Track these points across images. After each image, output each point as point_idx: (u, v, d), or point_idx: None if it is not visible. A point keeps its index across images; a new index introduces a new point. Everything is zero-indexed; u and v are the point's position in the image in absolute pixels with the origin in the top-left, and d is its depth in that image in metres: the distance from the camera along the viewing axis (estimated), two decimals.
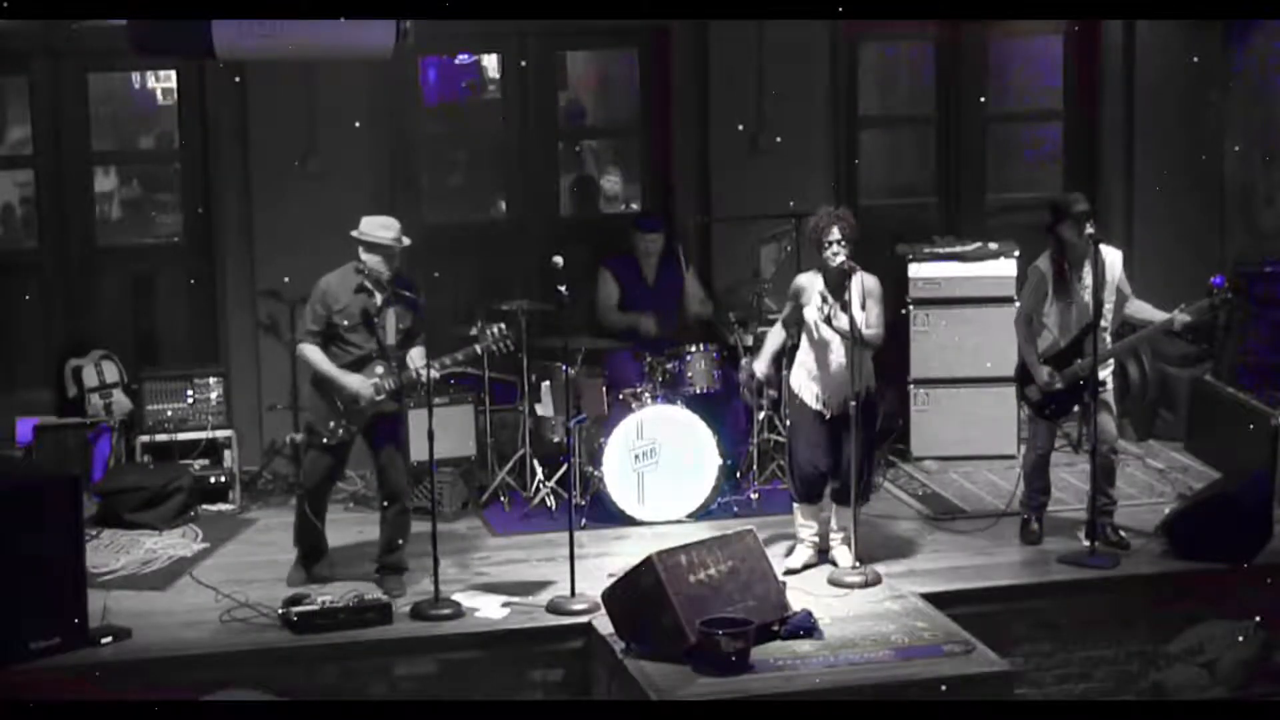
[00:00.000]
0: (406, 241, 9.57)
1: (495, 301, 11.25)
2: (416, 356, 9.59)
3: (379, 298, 9.53)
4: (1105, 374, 10.18)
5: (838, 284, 9.58)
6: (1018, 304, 10.41)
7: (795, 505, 9.97)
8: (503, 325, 9.72)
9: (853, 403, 9.51)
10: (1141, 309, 10.23)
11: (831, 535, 10.00)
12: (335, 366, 9.51)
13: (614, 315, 11.55)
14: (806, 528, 9.95)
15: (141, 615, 9.31)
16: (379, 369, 9.54)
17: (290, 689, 8.86)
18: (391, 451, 9.72)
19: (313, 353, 9.56)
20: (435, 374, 9.53)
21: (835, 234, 9.54)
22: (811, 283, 9.69)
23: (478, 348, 9.66)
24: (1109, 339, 10.18)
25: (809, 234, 9.73)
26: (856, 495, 9.67)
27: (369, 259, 9.50)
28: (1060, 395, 10.19)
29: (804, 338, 9.79)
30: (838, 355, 9.61)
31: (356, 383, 9.48)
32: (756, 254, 11.71)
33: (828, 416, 9.69)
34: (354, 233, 9.54)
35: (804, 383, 9.78)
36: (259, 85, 11.40)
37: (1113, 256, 10.09)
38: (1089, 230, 9.89)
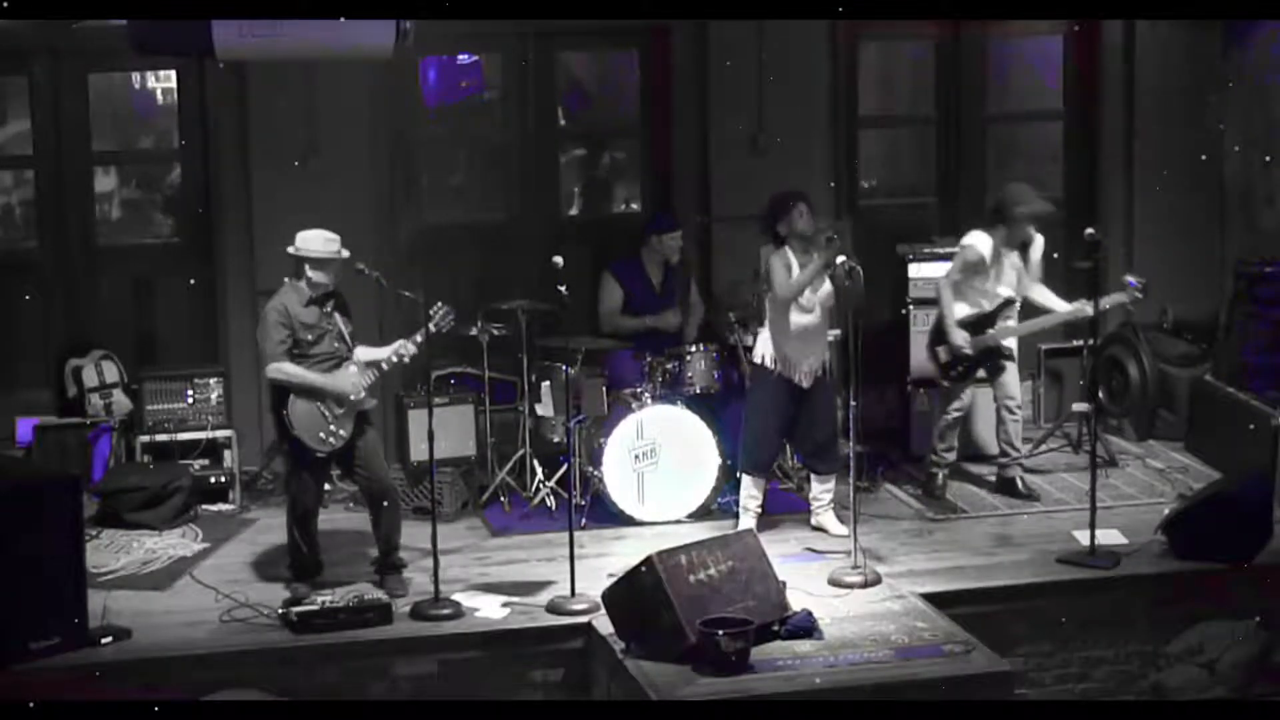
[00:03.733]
0: (346, 254, 9.59)
1: (495, 301, 11.25)
2: (362, 354, 9.66)
3: (329, 306, 9.58)
4: (1012, 344, 10.99)
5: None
6: (948, 269, 11.04)
7: (746, 477, 10.40)
8: (440, 303, 9.68)
9: (854, 402, 9.67)
10: (1043, 294, 11.00)
11: (814, 503, 10.45)
12: (318, 374, 9.52)
13: (619, 320, 11.51)
14: (754, 499, 10.39)
15: (141, 615, 9.31)
16: (352, 369, 9.57)
17: (290, 689, 8.86)
18: (373, 443, 9.72)
19: (292, 367, 9.51)
20: (396, 360, 9.62)
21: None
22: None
23: (431, 325, 9.62)
24: (1014, 315, 11.00)
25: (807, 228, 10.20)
26: (857, 483, 9.92)
27: (314, 274, 9.53)
28: (967, 360, 10.90)
29: (777, 313, 10.19)
30: (812, 328, 10.17)
31: (345, 383, 9.49)
32: (756, 254, 11.71)
33: (804, 386, 10.19)
34: (290, 249, 9.56)
35: (778, 356, 10.18)
36: (259, 85, 11.40)
37: (1038, 241, 10.98)
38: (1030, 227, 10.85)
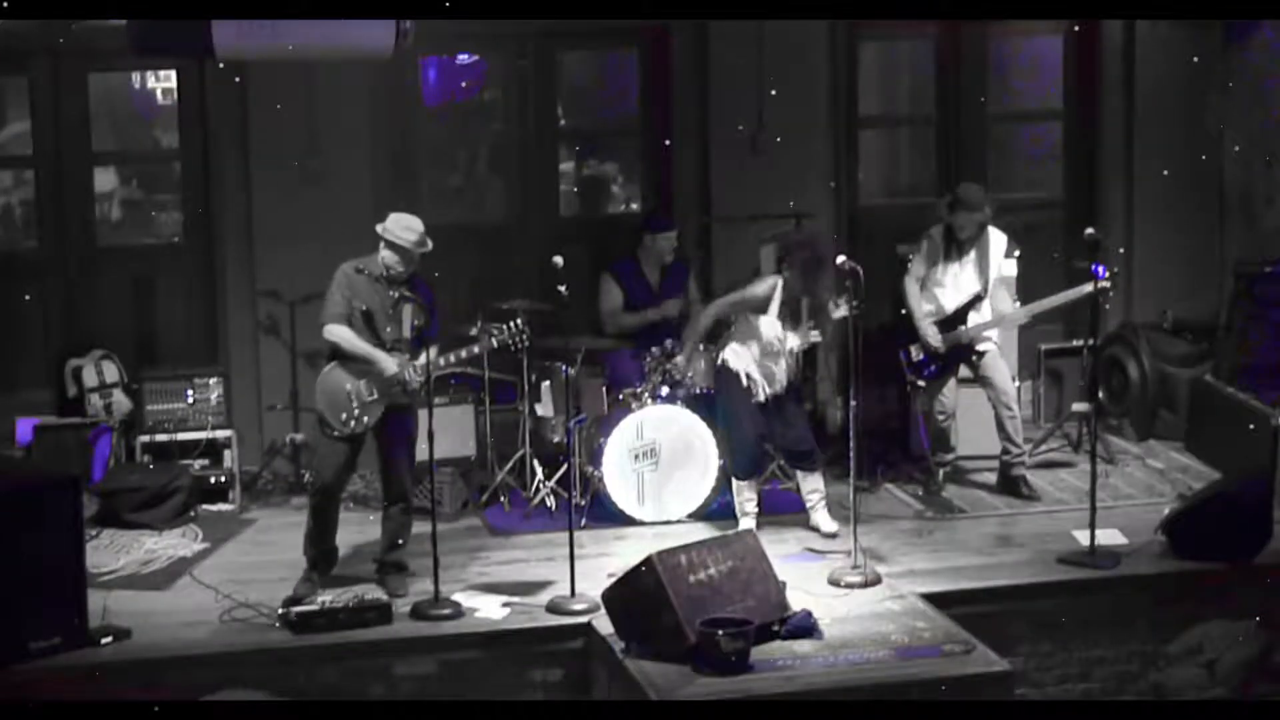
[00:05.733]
0: (429, 246, 9.52)
1: (495, 301, 11.25)
2: (424, 356, 9.56)
3: (395, 293, 9.50)
4: (989, 343, 11.03)
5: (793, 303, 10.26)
6: (910, 267, 11.16)
7: (736, 481, 10.43)
8: (518, 320, 9.70)
9: (854, 402, 9.72)
10: (1001, 299, 11.09)
11: (807, 503, 10.50)
12: (369, 345, 9.46)
13: (621, 319, 11.51)
14: (750, 500, 10.44)
15: (141, 615, 9.31)
16: (406, 356, 9.52)
17: (290, 689, 8.86)
18: (400, 450, 9.70)
19: (345, 331, 9.45)
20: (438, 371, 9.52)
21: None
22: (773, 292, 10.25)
23: (494, 341, 9.63)
24: (989, 311, 11.02)
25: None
26: (857, 483, 9.92)
27: (387, 255, 9.46)
28: (939, 359, 10.97)
29: (747, 328, 10.27)
30: (780, 361, 10.24)
31: (392, 362, 9.40)
32: (756, 254, 11.71)
33: (762, 399, 10.27)
34: (378, 227, 9.49)
35: (743, 368, 10.27)
36: (259, 85, 11.40)
37: (997, 237, 11.02)
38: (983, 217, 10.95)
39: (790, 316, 10.23)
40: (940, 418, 11.19)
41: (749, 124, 12.13)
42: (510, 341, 9.67)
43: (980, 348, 11.01)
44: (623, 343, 11.37)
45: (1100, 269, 10.30)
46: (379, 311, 9.49)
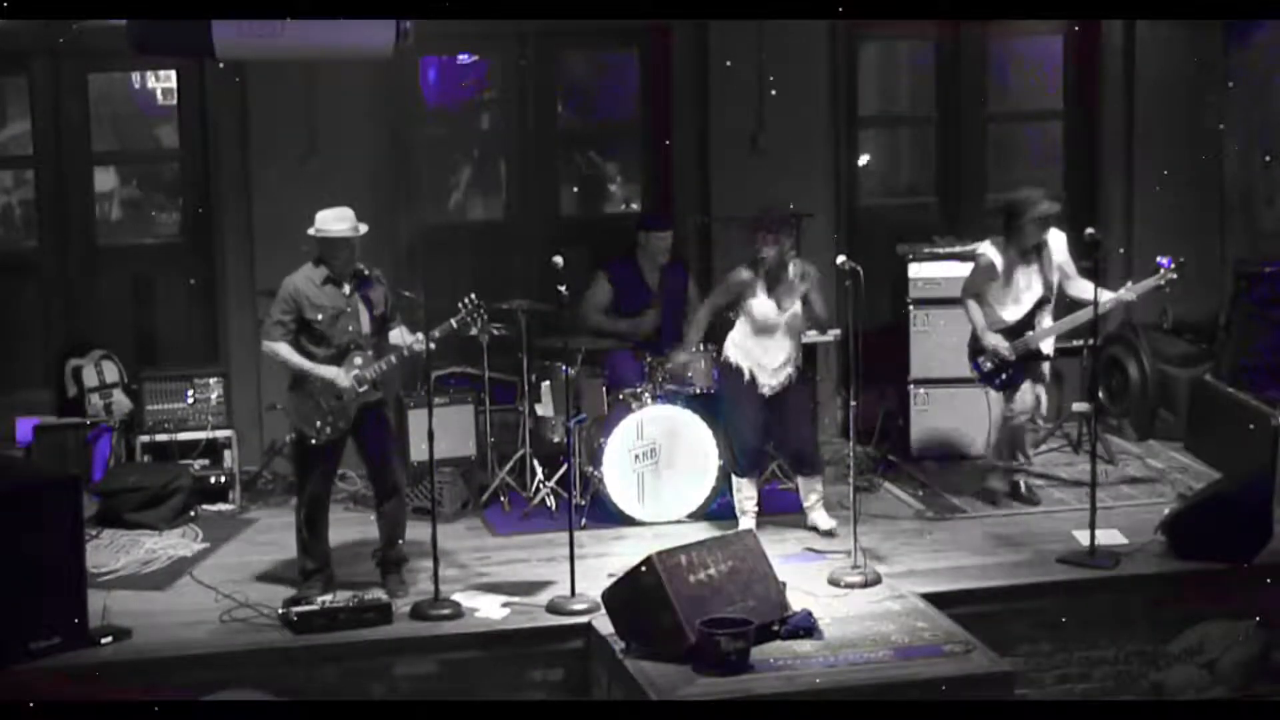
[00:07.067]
0: (363, 229, 9.53)
1: (495, 301, 11.24)
2: (403, 335, 9.57)
3: (347, 288, 9.52)
4: (1049, 347, 10.81)
5: (776, 274, 10.26)
6: (964, 284, 10.89)
7: (737, 479, 10.46)
8: (473, 295, 9.65)
9: (854, 402, 9.72)
10: (1085, 289, 10.59)
11: (804, 503, 10.52)
12: (307, 360, 9.45)
13: (598, 317, 11.49)
14: (750, 499, 10.46)
15: (141, 615, 9.31)
16: (358, 359, 9.51)
17: (290, 689, 8.86)
18: (383, 445, 9.70)
19: (283, 348, 9.47)
20: (433, 344, 9.50)
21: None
22: (753, 276, 10.30)
23: (454, 321, 9.60)
24: (1049, 315, 10.76)
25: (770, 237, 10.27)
26: (857, 483, 9.95)
27: (328, 253, 9.48)
28: (1011, 366, 10.71)
29: (743, 321, 10.32)
30: (779, 342, 10.27)
31: (333, 373, 9.41)
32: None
33: (767, 395, 10.28)
34: (310, 231, 9.51)
35: (745, 362, 10.33)
36: (259, 85, 11.41)
37: (1056, 239, 10.69)
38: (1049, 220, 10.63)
39: (779, 291, 10.24)
40: (1022, 418, 10.87)
41: (749, 124, 12.13)
42: (468, 320, 9.61)
43: (1045, 350, 10.79)
44: (623, 343, 11.38)
45: (1166, 260, 10.47)
46: (334, 313, 9.49)
